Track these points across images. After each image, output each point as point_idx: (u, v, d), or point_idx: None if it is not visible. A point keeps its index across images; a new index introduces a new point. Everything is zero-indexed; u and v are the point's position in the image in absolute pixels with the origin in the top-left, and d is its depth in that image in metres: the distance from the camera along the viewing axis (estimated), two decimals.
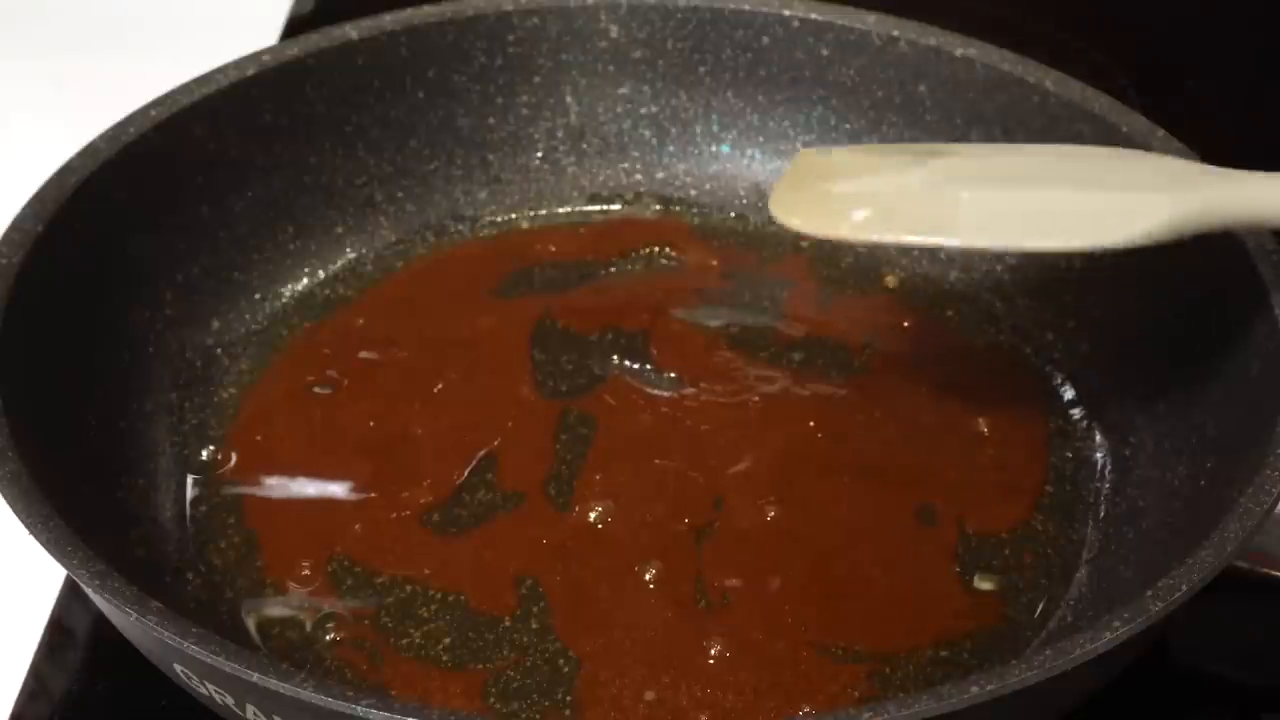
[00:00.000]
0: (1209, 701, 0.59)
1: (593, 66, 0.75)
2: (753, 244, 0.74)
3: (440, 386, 0.66)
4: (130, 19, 0.97)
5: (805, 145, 0.75)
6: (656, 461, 0.63)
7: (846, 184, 0.57)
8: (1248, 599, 0.60)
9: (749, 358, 0.68)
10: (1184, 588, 0.49)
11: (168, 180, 0.67)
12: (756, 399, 0.66)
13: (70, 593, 0.62)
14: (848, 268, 0.73)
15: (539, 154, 0.75)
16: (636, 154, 0.76)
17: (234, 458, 0.63)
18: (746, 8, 0.73)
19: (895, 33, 0.71)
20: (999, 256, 0.70)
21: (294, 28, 0.93)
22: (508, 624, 0.57)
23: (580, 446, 0.64)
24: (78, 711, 0.58)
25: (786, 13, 0.73)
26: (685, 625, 0.57)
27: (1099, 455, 0.63)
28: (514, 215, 0.75)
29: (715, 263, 0.73)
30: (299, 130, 0.71)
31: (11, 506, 0.51)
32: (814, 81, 0.74)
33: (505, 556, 0.59)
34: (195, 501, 0.62)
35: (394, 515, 0.61)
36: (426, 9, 0.73)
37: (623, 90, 0.75)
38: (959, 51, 0.70)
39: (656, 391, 0.66)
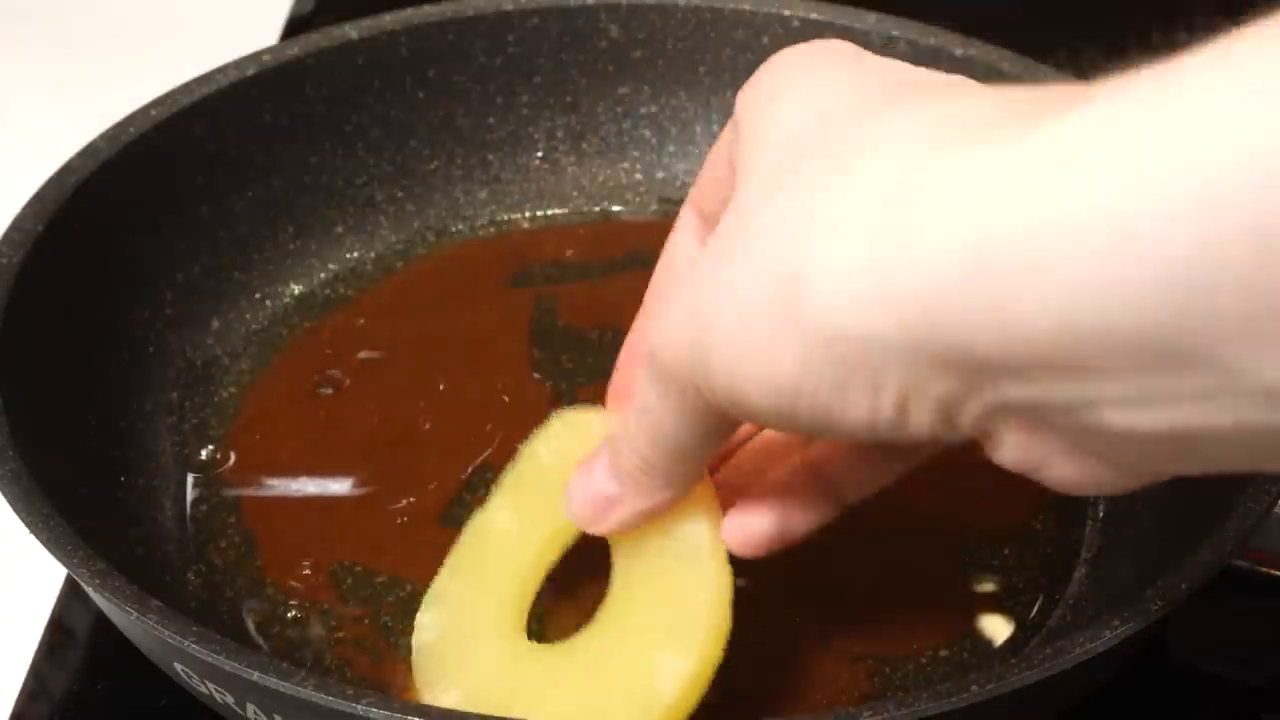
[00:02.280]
0: (1209, 701, 0.59)
1: (593, 66, 0.75)
2: None
3: (440, 386, 0.66)
4: (130, 19, 0.97)
5: None
6: None
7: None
8: (1248, 599, 0.60)
9: None
10: (1184, 587, 0.49)
11: (168, 180, 0.67)
12: None
13: (70, 593, 0.62)
14: None
15: (539, 154, 0.76)
16: (636, 154, 0.76)
17: (234, 458, 0.63)
18: (746, 8, 0.73)
19: (895, 33, 0.71)
20: None
21: (294, 28, 0.93)
22: None
23: None
24: (78, 711, 0.58)
25: (786, 13, 0.73)
26: None
27: None
28: (514, 215, 0.75)
29: None
30: (299, 130, 0.71)
31: (12, 506, 0.51)
32: None
33: None
34: (195, 501, 0.62)
35: (394, 515, 0.61)
36: (426, 9, 0.73)
37: (623, 90, 0.75)
38: (959, 51, 0.70)
39: None
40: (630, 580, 0.53)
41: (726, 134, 0.50)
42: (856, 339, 0.37)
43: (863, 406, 0.38)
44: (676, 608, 0.52)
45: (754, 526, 0.50)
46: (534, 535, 0.55)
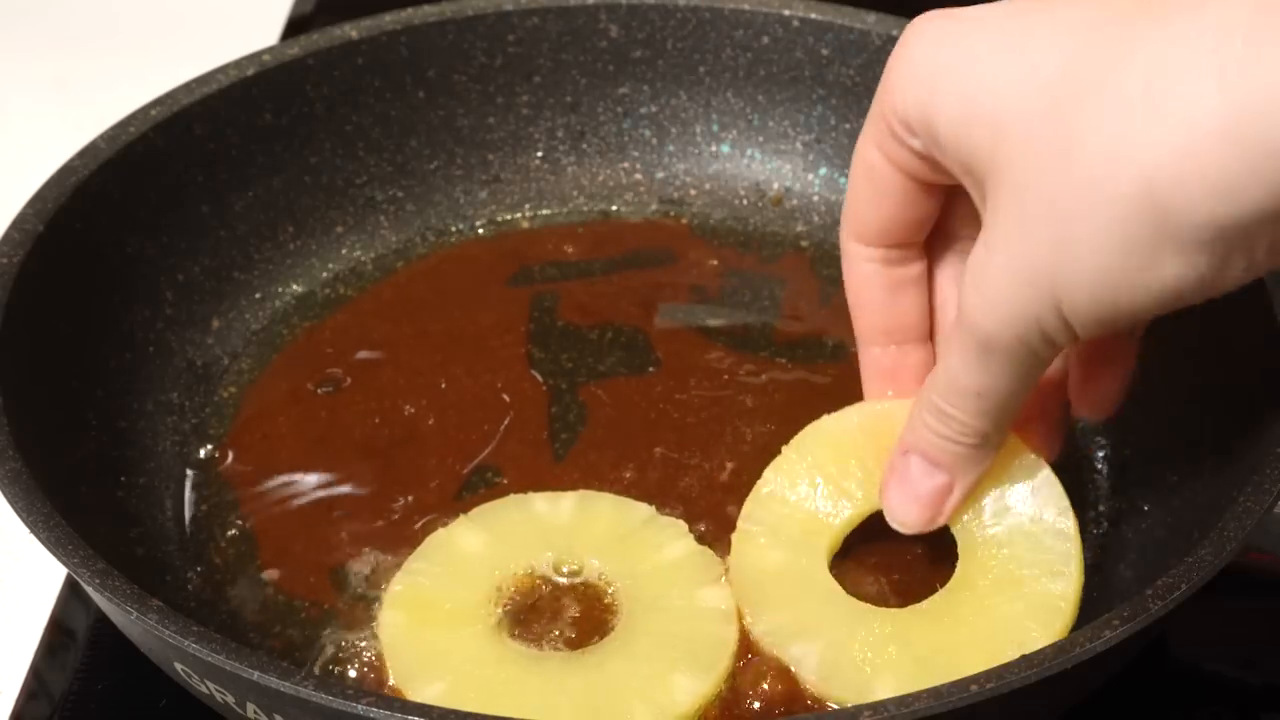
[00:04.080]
0: (1209, 701, 0.59)
1: (593, 66, 0.75)
2: (752, 243, 0.74)
3: (440, 385, 0.66)
4: (131, 18, 0.97)
5: (805, 145, 0.75)
6: (655, 460, 0.63)
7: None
8: (1248, 599, 0.60)
9: (747, 356, 0.68)
10: (1184, 587, 0.49)
11: (168, 180, 0.67)
12: (754, 399, 0.66)
13: (70, 593, 0.62)
14: None
15: (539, 154, 0.76)
16: (636, 154, 0.76)
17: (234, 457, 0.63)
18: (746, 8, 0.73)
19: (895, 32, 0.71)
20: None
21: (294, 28, 0.93)
22: None
23: (580, 444, 0.64)
24: (78, 711, 0.58)
25: (786, 13, 0.73)
26: None
27: (1098, 454, 0.63)
28: (514, 215, 0.75)
29: (714, 262, 0.73)
30: (299, 130, 0.71)
31: (12, 505, 0.51)
32: (814, 81, 0.74)
33: None
34: (195, 501, 0.62)
35: (394, 514, 0.61)
36: (426, 9, 0.73)
37: (623, 90, 0.75)
38: None
39: (656, 390, 0.66)
40: (638, 606, 0.56)
41: (883, 148, 0.50)
42: (1236, 226, 0.39)
43: (1233, 275, 0.41)
44: (690, 634, 0.55)
45: (1105, 389, 0.54)
46: (501, 556, 0.57)
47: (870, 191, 0.52)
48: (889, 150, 0.50)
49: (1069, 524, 0.55)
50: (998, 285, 0.45)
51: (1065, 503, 0.55)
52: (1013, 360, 0.47)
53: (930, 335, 0.56)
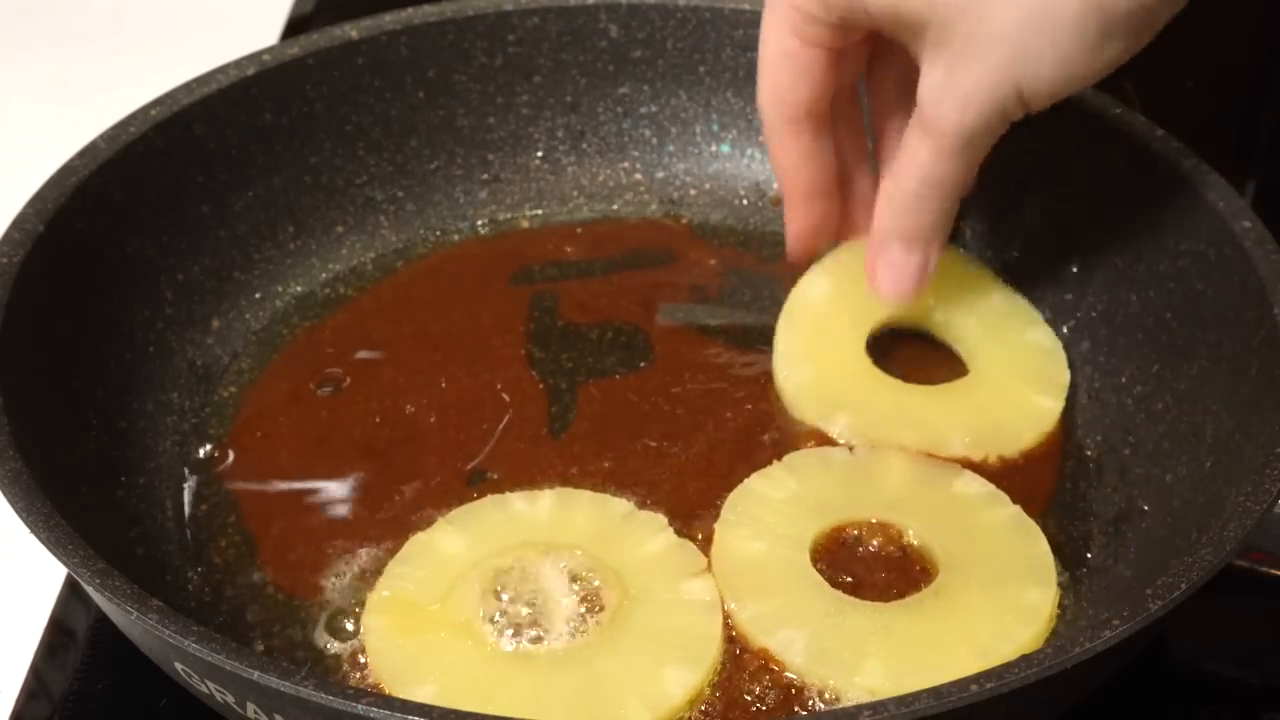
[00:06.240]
0: (1209, 701, 0.59)
1: (593, 66, 0.75)
2: (752, 243, 0.74)
3: (440, 385, 0.66)
4: (131, 18, 0.97)
5: None
6: (654, 457, 0.63)
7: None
8: (1248, 599, 0.60)
9: (747, 356, 0.68)
10: (1183, 587, 0.49)
11: (168, 180, 0.67)
12: (753, 398, 0.66)
13: (70, 593, 0.62)
14: None
15: (539, 154, 0.76)
16: (636, 154, 0.76)
17: (234, 457, 0.63)
18: (746, 8, 0.73)
19: None
20: (999, 256, 0.71)
21: (294, 28, 0.93)
22: None
23: (582, 443, 0.64)
24: (78, 711, 0.58)
25: None
26: None
27: (1099, 455, 0.63)
28: (514, 215, 0.75)
29: (714, 262, 0.73)
30: (299, 130, 0.71)
31: (13, 505, 0.51)
32: None
33: None
34: (195, 501, 0.62)
35: (394, 513, 0.61)
36: (426, 9, 0.73)
37: (623, 90, 0.75)
38: None
39: (655, 389, 0.66)
40: (623, 601, 0.56)
41: (799, 33, 0.60)
42: (1154, 7, 0.54)
43: (1144, 42, 0.56)
44: (678, 627, 0.55)
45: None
46: (482, 556, 0.57)
47: (793, 74, 0.61)
48: (804, 32, 0.59)
49: (1044, 542, 0.59)
50: (968, 90, 0.56)
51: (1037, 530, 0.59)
52: (981, 143, 0.58)
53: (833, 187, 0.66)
